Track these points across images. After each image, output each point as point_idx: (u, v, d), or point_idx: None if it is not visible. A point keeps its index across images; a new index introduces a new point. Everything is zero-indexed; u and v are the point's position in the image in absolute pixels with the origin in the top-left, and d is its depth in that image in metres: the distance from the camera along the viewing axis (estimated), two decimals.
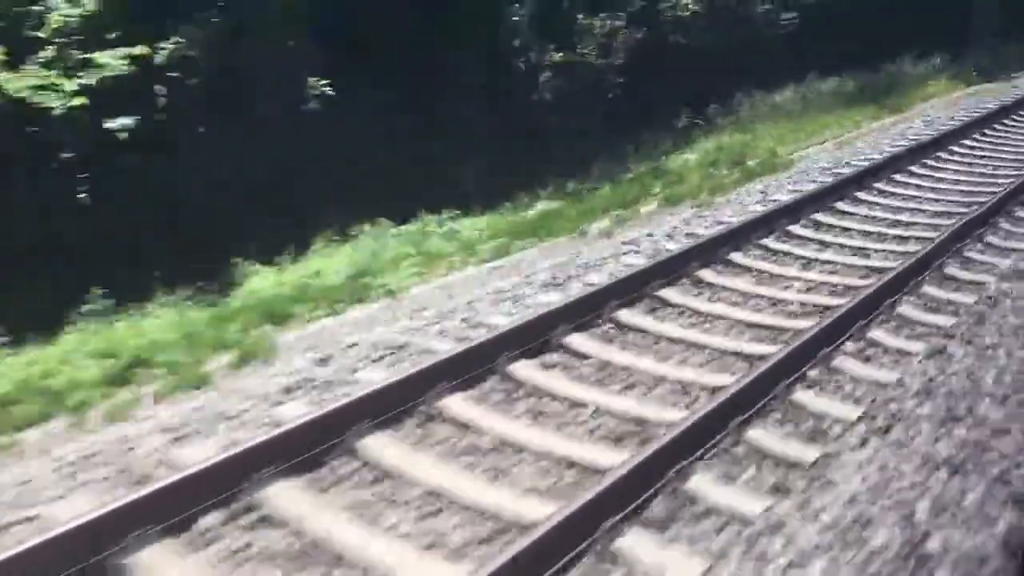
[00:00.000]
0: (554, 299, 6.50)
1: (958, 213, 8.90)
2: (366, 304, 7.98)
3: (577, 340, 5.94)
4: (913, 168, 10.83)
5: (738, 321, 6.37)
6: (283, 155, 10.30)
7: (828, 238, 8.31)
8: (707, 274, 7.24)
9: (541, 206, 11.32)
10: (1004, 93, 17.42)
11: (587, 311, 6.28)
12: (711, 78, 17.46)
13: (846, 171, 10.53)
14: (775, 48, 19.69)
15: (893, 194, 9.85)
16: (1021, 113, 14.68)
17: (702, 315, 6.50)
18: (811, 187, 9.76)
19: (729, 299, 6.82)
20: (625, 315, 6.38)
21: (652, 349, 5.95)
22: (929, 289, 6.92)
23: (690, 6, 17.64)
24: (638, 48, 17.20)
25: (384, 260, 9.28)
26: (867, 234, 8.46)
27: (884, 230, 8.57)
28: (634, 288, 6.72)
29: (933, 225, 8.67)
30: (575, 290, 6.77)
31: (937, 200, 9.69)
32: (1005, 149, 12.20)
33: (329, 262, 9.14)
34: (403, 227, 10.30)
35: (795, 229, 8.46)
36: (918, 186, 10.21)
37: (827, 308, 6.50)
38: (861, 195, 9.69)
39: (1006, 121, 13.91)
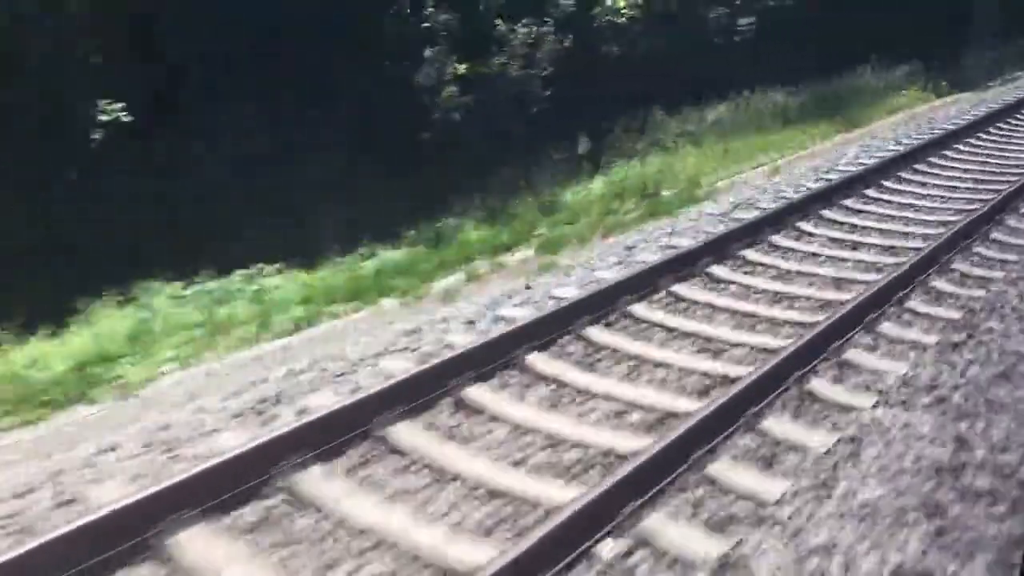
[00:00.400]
0: (228, 446, 4.39)
1: (867, 282, 6.73)
2: (79, 408, 5.93)
3: (193, 542, 3.80)
4: (828, 212, 8.64)
5: (480, 488, 4.23)
6: (57, 196, 8.23)
7: (679, 323, 6.14)
8: (482, 394, 5.10)
9: (398, 253, 9.15)
10: (975, 107, 15.13)
11: (260, 471, 4.17)
12: (651, 90, 15.29)
13: (749, 216, 8.35)
14: (730, 56, 17.41)
15: (791, 253, 7.66)
16: (982, 136, 12.40)
17: (434, 472, 4.37)
18: (696, 241, 7.60)
19: (496, 440, 4.68)
20: (314, 482, 4.26)
21: (327, 539, 3.83)
22: (775, 425, 4.77)
23: (625, 11, 15.39)
24: (567, 58, 15.03)
25: (158, 332, 7.24)
26: (733, 316, 6.29)
27: (759, 310, 6.38)
28: (361, 422, 4.62)
29: (826, 303, 6.49)
30: (283, 420, 4.68)
31: (844, 263, 7.49)
32: (954, 184, 9.94)
33: (74, 339, 7.06)
34: (213, 283, 8.21)
35: (638, 310, 6.28)
36: (829, 241, 8.00)
37: (625, 457, 4.37)
38: (750, 254, 7.51)
39: (960, 146, 11.65)
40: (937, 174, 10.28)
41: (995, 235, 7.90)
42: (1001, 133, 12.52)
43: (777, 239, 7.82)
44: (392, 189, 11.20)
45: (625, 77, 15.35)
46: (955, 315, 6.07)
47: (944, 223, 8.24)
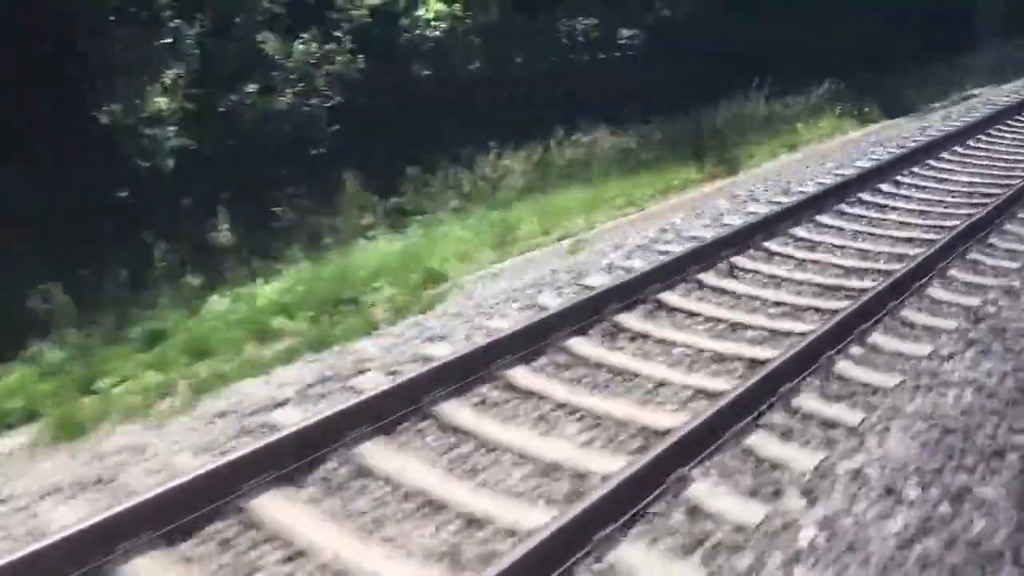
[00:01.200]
0: None
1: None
2: None
3: None
4: (522, 375, 4.44)
5: None
6: None
7: None
8: None
9: None
10: (901, 139, 10.78)
11: None
12: (478, 125, 11.05)
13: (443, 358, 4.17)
14: (605, 78, 13.07)
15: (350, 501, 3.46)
16: (901, 178, 8.14)
17: None
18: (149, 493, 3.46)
19: None
20: None
21: None
22: None
23: (436, 24, 11.11)
24: (364, 82, 10.85)
25: None
26: None
27: None
28: None
29: None
30: None
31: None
32: (764, 299, 5.66)
33: None
34: None
35: None
36: (433, 472, 3.79)
37: None
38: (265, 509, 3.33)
39: (864, 195, 7.49)
40: (754, 277, 6.01)
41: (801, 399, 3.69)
42: (903, 190, 8.20)
43: (324, 473, 3.61)
44: None
45: (443, 107, 11.17)
46: None
47: (721, 394, 4.02)
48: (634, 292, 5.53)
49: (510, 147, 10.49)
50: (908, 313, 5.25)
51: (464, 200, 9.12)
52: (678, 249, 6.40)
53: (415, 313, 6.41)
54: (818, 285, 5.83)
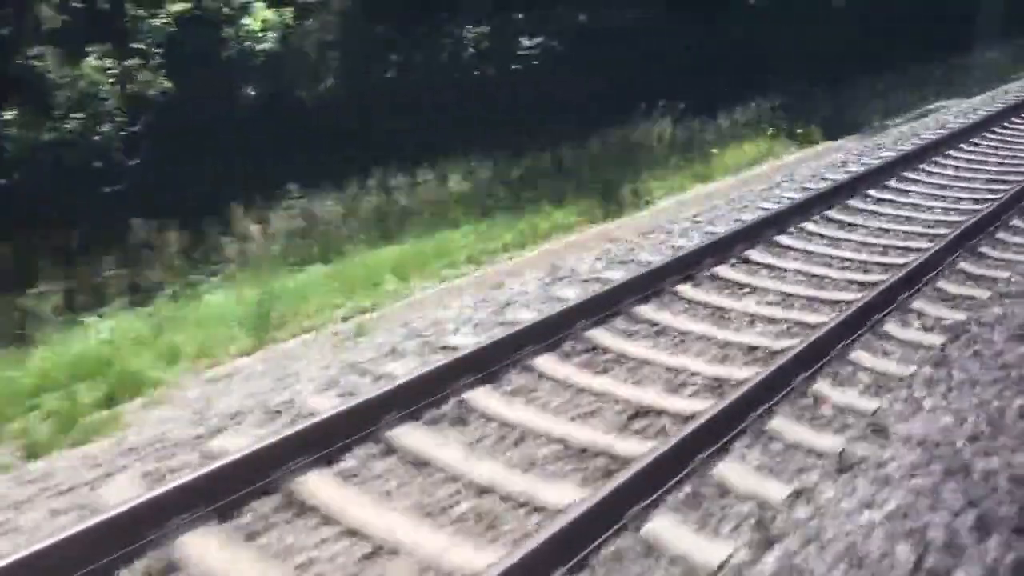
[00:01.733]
0: None
1: None
2: None
3: None
4: None
5: None
6: None
7: None
8: None
9: None
10: (823, 172, 8.70)
11: None
12: (302, 159, 9.05)
13: None
14: (490, 97, 10.97)
15: None
16: (784, 238, 6.07)
17: None
18: None
19: None
20: None
21: None
22: None
23: (263, 35, 9.00)
24: (175, 105, 8.83)
25: None
26: None
27: None
28: None
29: None
30: None
31: None
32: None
33: None
34: None
35: None
36: None
37: None
38: None
39: (720, 269, 5.35)
40: (485, 427, 3.93)
41: None
42: (783, 259, 6.07)
43: None
44: None
45: (276, 135, 9.14)
46: None
47: None
48: (308, 452, 3.47)
49: (338, 187, 8.47)
50: (659, 527, 3.16)
51: (247, 260, 7.06)
52: (407, 370, 4.32)
53: (43, 459, 4.44)
54: (573, 449, 3.73)
